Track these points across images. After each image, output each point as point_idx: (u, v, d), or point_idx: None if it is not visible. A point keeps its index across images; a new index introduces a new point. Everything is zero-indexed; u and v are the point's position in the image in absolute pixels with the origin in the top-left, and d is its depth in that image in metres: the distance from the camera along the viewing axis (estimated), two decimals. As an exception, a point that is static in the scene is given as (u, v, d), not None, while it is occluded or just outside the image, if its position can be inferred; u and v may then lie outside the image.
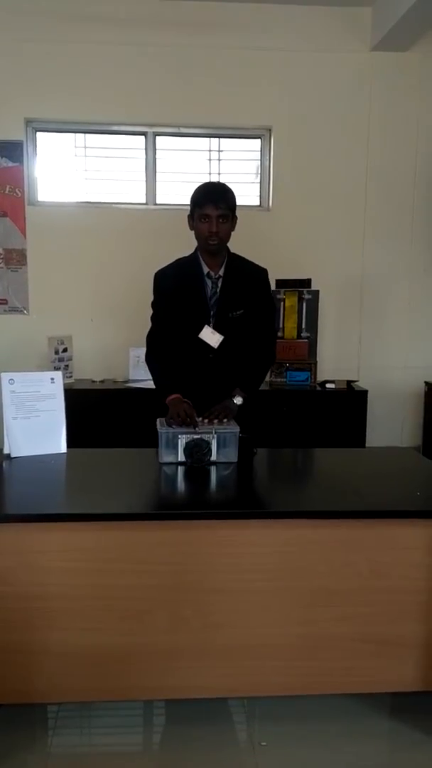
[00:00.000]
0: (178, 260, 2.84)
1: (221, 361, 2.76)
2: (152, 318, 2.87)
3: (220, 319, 2.76)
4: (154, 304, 2.86)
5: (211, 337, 2.75)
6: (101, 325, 4.94)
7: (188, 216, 2.74)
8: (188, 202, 2.74)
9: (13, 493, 2.34)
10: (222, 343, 2.75)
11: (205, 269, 2.77)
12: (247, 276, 2.81)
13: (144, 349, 2.89)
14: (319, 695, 2.34)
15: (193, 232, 2.74)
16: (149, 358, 2.86)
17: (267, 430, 3.03)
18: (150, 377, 2.92)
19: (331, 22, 4.84)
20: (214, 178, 4.95)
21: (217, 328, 2.75)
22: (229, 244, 2.80)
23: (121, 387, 4.65)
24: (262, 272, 2.85)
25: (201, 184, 2.80)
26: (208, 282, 2.77)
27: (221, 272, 2.77)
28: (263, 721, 2.41)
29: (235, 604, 2.11)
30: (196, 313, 2.76)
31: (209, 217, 2.65)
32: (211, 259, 2.76)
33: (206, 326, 2.75)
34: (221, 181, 2.89)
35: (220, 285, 2.77)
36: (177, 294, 2.77)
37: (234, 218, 2.72)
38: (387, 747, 2.36)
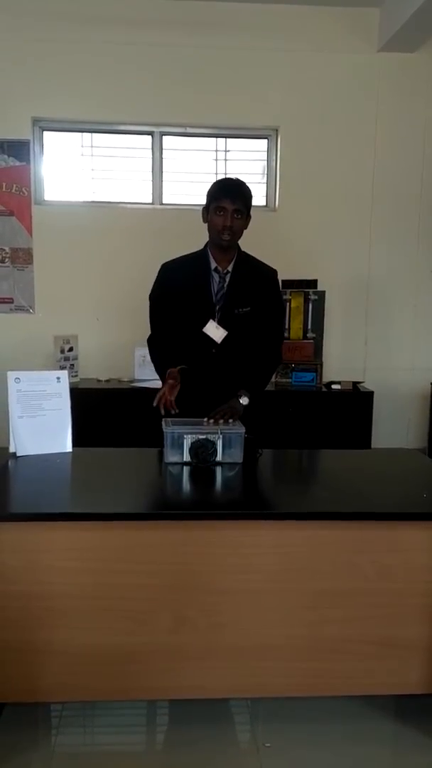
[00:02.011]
0: (186, 255, 2.83)
1: (224, 357, 2.75)
2: (150, 311, 2.85)
3: (225, 315, 2.75)
4: (153, 297, 2.84)
5: (215, 332, 2.74)
6: (107, 324, 4.94)
7: (203, 209, 2.74)
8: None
9: (18, 491, 2.34)
10: (225, 339, 2.74)
11: (213, 264, 2.76)
12: (257, 274, 2.81)
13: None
14: (324, 697, 2.33)
15: (206, 227, 2.73)
16: (152, 350, 2.86)
17: (272, 430, 3.03)
18: (156, 377, 2.92)
19: (339, 22, 4.83)
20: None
21: (222, 324, 2.74)
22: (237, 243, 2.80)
23: (127, 386, 4.65)
24: (272, 272, 2.85)
25: (220, 178, 2.81)
26: (216, 277, 2.77)
27: (230, 268, 2.76)
28: (267, 722, 2.40)
29: (240, 605, 2.11)
30: (201, 307, 2.75)
31: (225, 210, 2.64)
32: (221, 254, 2.75)
33: (211, 321, 2.74)
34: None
35: (227, 280, 2.76)
36: (183, 287, 2.76)
37: (248, 217, 2.72)
38: (391, 750, 2.36)
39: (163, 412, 2.56)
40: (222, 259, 2.75)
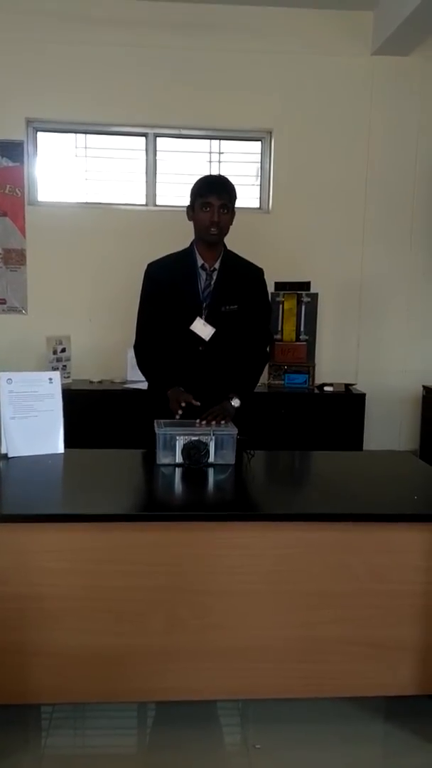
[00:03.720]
0: (172, 253, 2.83)
1: (211, 355, 2.74)
2: (139, 316, 2.84)
3: (212, 312, 2.74)
4: (142, 300, 2.83)
5: (202, 329, 2.73)
6: (99, 325, 4.93)
7: (188, 207, 2.74)
8: (188, 204, 2.74)
9: (9, 492, 2.33)
10: (213, 337, 2.73)
11: (200, 261, 2.76)
12: (243, 272, 2.81)
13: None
14: (315, 698, 2.33)
15: (192, 225, 2.73)
16: (140, 360, 2.86)
17: (265, 432, 3.03)
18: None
19: (333, 25, 4.84)
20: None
21: (209, 321, 2.73)
22: (228, 245, 2.80)
23: (119, 388, 4.64)
24: (259, 271, 2.86)
25: (202, 176, 2.81)
26: (202, 274, 2.76)
27: (216, 265, 2.76)
28: (258, 723, 2.40)
29: (232, 606, 2.11)
30: (188, 305, 2.74)
31: (211, 206, 2.65)
32: (207, 251, 2.75)
33: (198, 318, 2.74)
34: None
35: (214, 278, 2.76)
36: (170, 285, 2.75)
37: (233, 211, 2.72)
38: (382, 751, 2.37)
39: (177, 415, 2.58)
40: (209, 256, 2.75)
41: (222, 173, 5.01)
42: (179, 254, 2.81)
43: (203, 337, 2.73)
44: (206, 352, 2.74)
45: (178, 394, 2.61)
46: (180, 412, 2.56)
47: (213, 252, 2.76)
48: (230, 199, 2.69)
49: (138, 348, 2.86)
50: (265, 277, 2.88)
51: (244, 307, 2.77)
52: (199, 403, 2.58)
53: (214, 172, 5.01)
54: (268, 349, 2.97)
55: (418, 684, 2.20)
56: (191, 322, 2.72)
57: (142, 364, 2.86)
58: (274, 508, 2.26)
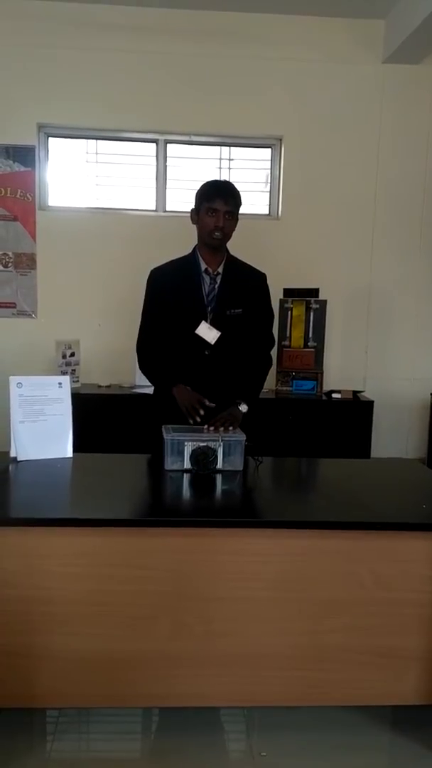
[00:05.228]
0: (174, 259, 2.84)
1: (217, 359, 2.75)
2: (142, 321, 2.85)
3: (217, 316, 2.75)
4: (145, 306, 2.84)
5: (207, 333, 2.73)
6: (108, 330, 4.95)
7: (192, 210, 2.76)
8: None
9: (18, 496, 2.34)
10: (218, 341, 2.74)
11: (203, 266, 2.77)
12: (247, 277, 2.83)
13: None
14: (320, 706, 2.32)
15: (195, 228, 2.75)
16: (142, 361, 2.87)
17: (272, 438, 3.03)
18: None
19: (344, 33, 4.86)
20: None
21: (215, 325, 2.74)
22: (237, 251, 2.81)
23: (127, 392, 4.66)
24: (262, 275, 2.87)
25: (209, 180, 2.82)
26: (206, 278, 2.77)
27: (220, 269, 2.78)
28: (263, 731, 2.40)
29: (238, 613, 2.11)
30: (193, 309, 2.75)
31: (217, 211, 2.66)
32: (210, 256, 2.76)
33: (203, 322, 2.74)
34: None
35: (218, 282, 2.77)
36: (174, 290, 2.77)
37: (237, 217, 2.73)
38: (387, 760, 2.35)
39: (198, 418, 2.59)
40: (212, 260, 2.77)
41: (232, 180, 5.05)
42: (182, 260, 2.83)
43: (208, 340, 2.74)
44: (212, 356, 2.75)
45: (190, 397, 2.62)
46: (198, 419, 2.58)
47: (216, 256, 2.77)
48: (236, 206, 2.71)
49: (140, 349, 2.87)
50: (275, 283, 2.89)
51: (248, 311, 2.78)
52: (214, 405, 2.60)
53: (223, 178, 5.04)
54: (270, 353, 2.98)
55: (424, 693, 2.19)
56: (196, 326, 2.73)
57: (144, 363, 2.87)
58: (281, 515, 2.25)
